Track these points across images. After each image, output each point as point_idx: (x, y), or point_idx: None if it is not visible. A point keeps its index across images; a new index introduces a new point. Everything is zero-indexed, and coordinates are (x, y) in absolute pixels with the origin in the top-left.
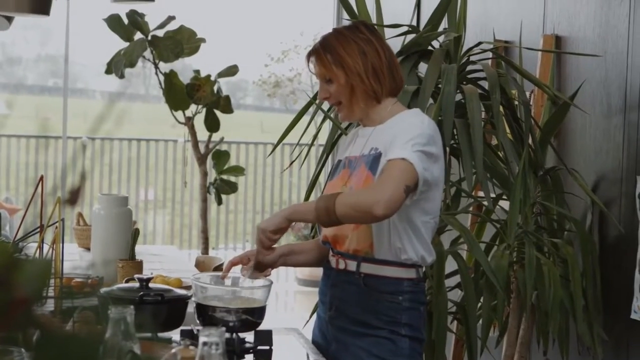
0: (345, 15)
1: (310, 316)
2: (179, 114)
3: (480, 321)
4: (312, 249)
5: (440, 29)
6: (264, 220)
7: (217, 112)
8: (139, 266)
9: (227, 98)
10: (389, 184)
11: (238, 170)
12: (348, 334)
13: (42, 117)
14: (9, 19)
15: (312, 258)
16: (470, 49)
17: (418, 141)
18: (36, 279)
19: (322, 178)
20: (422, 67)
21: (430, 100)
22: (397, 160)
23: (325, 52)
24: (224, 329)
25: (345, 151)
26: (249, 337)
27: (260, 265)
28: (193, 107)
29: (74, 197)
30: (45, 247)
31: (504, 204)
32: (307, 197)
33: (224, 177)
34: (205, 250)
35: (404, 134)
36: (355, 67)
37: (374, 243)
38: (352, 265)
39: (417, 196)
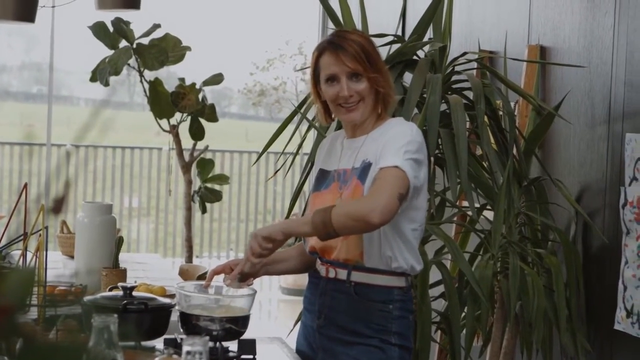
0: (331, 24)
1: (295, 325)
2: (164, 122)
3: (464, 331)
4: (294, 257)
5: (426, 38)
6: (259, 228)
7: (202, 121)
8: (122, 274)
9: (212, 106)
10: (384, 192)
11: (222, 179)
12: (337, 342)
13: (26, 124)
14: None
15: (295, 266)
16: (455, 59)
17: (409, 149)
18: (19, 288)
19: (306, 187)
20: (407, 77)
21: (415, 110)
22: (390, 169)
23: (360, 50)
24: (207, 337)
25: (330, 161)
26: (232, 346)
27: (242, 275)
28: (178, 115)
29: (58, 206)
30: (29, 255)
31: (488, 214)
32: (291, 206)
33: (209, 185)
34: (190, 258)
35: (395, 142)
36: (385, 73)
37: (364, 252)
38: (342, 274)
39: (407, 203)
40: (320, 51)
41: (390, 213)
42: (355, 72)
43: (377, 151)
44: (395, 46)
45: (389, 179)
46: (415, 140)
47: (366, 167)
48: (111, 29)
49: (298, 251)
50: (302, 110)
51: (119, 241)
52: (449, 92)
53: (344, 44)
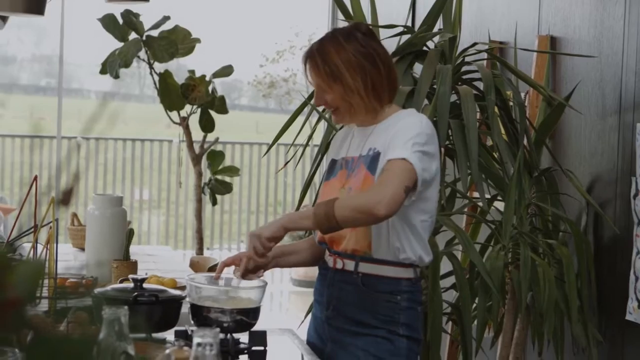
0: (340, 16)
1: (305, 316)
2: (174, 114)
3: (475, 322)
4: (305, 249)
5: (435, 29)
6: (259, 227)
7: (212, 113)
8: (133, 266)
9: (222, 98)
10: (390, 184)
11: (233, 171)
12: (345, 333)
13: (36, 117)
14: (4, 19)
15: (305, 258)
16: (465, 49)
17: (417, 141)
18: (29, 280)
19: (317, 178)
20: (417, 68)
21: (426, 101)
22: (398, 161)
23: (323, 64)
24: (218, 329)
25: (340, 151)
26: (243, 337)
27: (252, 268)
28: (188, 108)
29: (66, 197)
30: (39, 247)
31: (499, 204)
32: (302, 198)
33: (219, 177)
34: (200, 250)
35: (403, 134)
36: (354, 85)
37: (372, 243)
38: (350, 265)
39: (415, 197)
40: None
41: (396, 205)
42: (319, 84)
43: (386, 141)
44: (405, 37)
45: (396, 170)
46: (425, 133)
47: (375, 156)
48: (121, 21)
49: (309, 244)
50: (312, 102)
51: (130, 233)
52: (459, 83)
53: (310, 56)
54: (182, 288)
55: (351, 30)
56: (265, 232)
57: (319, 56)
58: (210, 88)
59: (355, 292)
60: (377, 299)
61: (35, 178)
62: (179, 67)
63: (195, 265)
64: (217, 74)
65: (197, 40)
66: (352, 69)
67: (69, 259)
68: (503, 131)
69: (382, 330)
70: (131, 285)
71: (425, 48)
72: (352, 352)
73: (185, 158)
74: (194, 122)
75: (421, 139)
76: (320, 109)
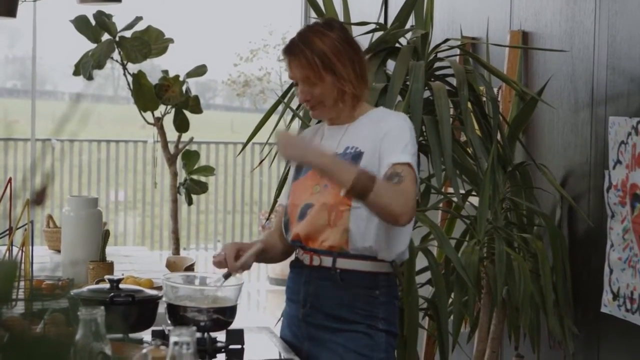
0: (313, 14)
1: (282, 315)
2: (148, 115)
3: (452, 317)
4: (276, 244)
5: (408, 26)
6: (303, 143)
7: (187, 112)
8: (109, 267)
9: (196, 98)
10: (412, 196)
11: (208, 170)
12: (324, 330)
13: (9, 120)
14: None
15: (276, 253)
16: (438, 45)
17: (412, 143)
18: (3, 281)
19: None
20: (390, 65)
21: (399, 98)
22: (405, 167)
23: (312, 54)
24: (194, 328)
25: None
26: (220, 336)
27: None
28: (162, 108)
29: (40, 197)
30: (15, 250)
31: (474, 199)
32: (276, 196)
33: (194, 177)
34: (176, 250)
35: (399, 137)
36: (346, 73)
37: (349, 240)
38: (327, 262)
39: None
40: (282, 54)
41: (413, 216)
42: (307, 77)
43: (372, 141)
44: (378, 34)
45: (411, 180)
46: (413, 134)
47: (357, 155)
48: (93, 22)
49: (277, 236)
50: (285, 100)
51: (105, 234)
52: (432, 79)
53: (296, 49)
54: (159, 288)
55: (327, 21)
56: (311, 157)
57: (305, 47)
58: (184, 88)
59: (333, 289)
60: (356, 294)
61: (10, 180)
62: (153, 68)
63: (171, 266)
64: (190, 74)
65: (170, 40)
66: (340, 56)
67: (45, 261)
68: (476, 126)
69: (362, 325)
70: (107, 286)
71: (397, 45)
72: (332, 349)
73: (160, 158)
74: (168, 123)
75: (413, 142)
76: (295, 106)
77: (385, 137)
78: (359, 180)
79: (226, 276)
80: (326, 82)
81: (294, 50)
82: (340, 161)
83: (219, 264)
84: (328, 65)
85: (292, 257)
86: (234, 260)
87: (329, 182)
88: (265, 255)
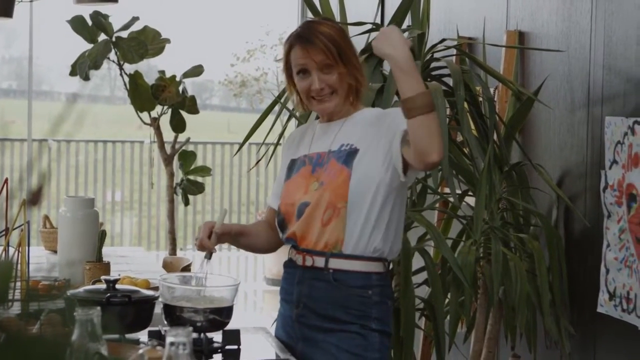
0: (310, 14)
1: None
2: (145, 115)
3: (448, 317)
4: (262, 233)
5: (404, 26)
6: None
7: (183, 113)
8: (106, 268)
9: (193, 98)
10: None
11: (205, 171)
12: (317, 330)
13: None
14: None
15: (261, 243)
16: (434, 45)
17: None
18: None
19: None
20: (387, 65)
21: (395, 98)
22: None
23: (328, 42)
24: (190, 328)
25: (299, 149)
26: (216, 336)
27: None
28: (159, 108)
29: (35, 197)
30: (11, 250)
31: (470, 200)
32: None
33: (191, 177)
34: (173, 251)
35: (399, 122)
36: (356, 63)
37: (344, 238)
38: (320, 262)
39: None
40: (290, 44)
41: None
42: (325, 64)
43: (362, 137)
44: (374, 34)
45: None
46: None
47: (352, 152)
48: (90, 22)
49: (264, 227)
50: (282, 100)
51: (102, 235)
52: (429, 79)
53: (312, 37)
54: (156, 289)
55: (326, 18)
56: (401, 54)
57: (321, 34)
58: (180, 88)
59: (326, 289)
60: (349, 294)
61: (6, 181)
62: (150, 68)
63: (168, 266)
64: (187, 74)
65: (167, 41)
66: (349, 47)
67: (41, 262)
68: (473, 127)
69: (355, 325)
70: (104, 286)
71: None
72: (325, 349)
73: (156, 159)
74: (165, 123)
75: None
76: (291, 107)
77: (386, 117)
78: (425, 95)
79: (207, 256)
80: (341, 70)
81: (310, 38)
82: (414, 67)
83: (200, 247)
84: (342, 53)
85: (286, 258)
86: (208, 239)
87: (325, 179)
88: (247, 241)
